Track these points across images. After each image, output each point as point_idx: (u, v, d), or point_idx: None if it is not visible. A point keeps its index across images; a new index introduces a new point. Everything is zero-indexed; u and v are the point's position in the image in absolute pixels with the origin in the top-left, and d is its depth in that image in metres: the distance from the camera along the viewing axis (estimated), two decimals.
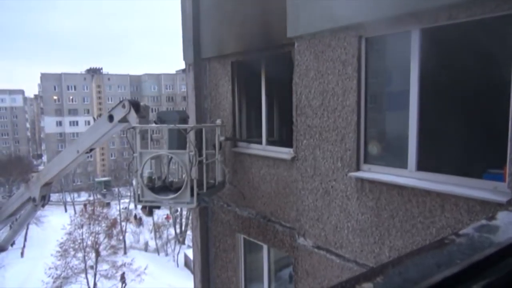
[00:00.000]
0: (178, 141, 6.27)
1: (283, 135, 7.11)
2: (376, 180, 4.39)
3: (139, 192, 5.89)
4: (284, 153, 6.00)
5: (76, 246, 37.11)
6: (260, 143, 6.66)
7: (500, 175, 3.57)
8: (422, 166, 4.13)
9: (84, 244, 37.18)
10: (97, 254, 37.61)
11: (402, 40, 4.13)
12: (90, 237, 37.76)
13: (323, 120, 4.96)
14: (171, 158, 6.17)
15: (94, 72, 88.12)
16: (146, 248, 48.03)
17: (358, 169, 4.65)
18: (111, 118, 6.76)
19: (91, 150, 7.53)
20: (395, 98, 4.64)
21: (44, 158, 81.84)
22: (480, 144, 4.10)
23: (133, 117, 6.47)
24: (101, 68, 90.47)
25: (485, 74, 3.89)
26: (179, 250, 43.33)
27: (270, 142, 6.65)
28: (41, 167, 61.93)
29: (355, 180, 4.62)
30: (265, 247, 6.67)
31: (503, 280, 0.61)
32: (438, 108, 4.25)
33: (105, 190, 68.16)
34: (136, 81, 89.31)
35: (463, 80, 4.07)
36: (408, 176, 4.17)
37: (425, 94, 4.05)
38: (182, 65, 7.99)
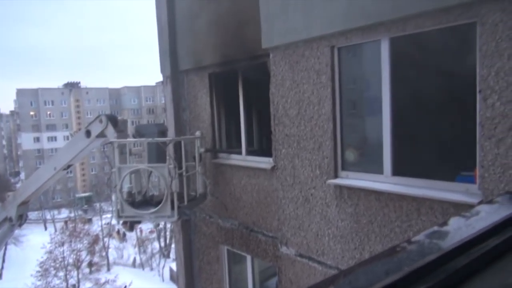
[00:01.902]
0: (157, 154, 6.24)
1: (263, 144, 7.16)
2: (354, 186, 4.46)
3: (118, 208, 5.82)
4: (264, 162, 6.03)
5: (57, 265, 36.18)
6: (240, 153, 6.68)
7: (472, 177, 3.68)
8: (398, 171, 4.22)
9: (66, 262, 36.28)
10: (90, 267, 36.85)
11: (373, 48, 4.24)
12: (72, 255, 36.90)
13: (300, 129, 5.03)
14: (151, 171, 6.13)
15: (72, 86, 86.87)
16: (134, 263, 47.09)
17: (336, 176, 4.72)
18: (88, 133, 6.68)
19: (69, 166, 7.41)
20: (369, 105, 4.75)
21: (22, 176, 79.76)
22: (452, 147, 4.21)
23: (110, 131, 6.41)
24: (79, 82, 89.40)
25: (453, 80, 4.02)
26: (164, 264, 42.70)
27: (250, 152, 6.67)
28: (19, 185, 60.32)
29: (334, 187, 4.69)
30: (248, 257, 6.66)
31: (443, 283, 0.65)
32: (410, 114, 4.37)
33: (86, 206, 66.81)
34: (115, 94, 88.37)
35: (433, 86, 4.20)
36: (384, 182, 4.26)
37: (397, 101, 4.16)
38: (161, 76, 7.99)
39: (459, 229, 0.90)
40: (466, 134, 3.67)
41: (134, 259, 47.39)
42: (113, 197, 6.07)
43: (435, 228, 0.95)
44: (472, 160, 3.61)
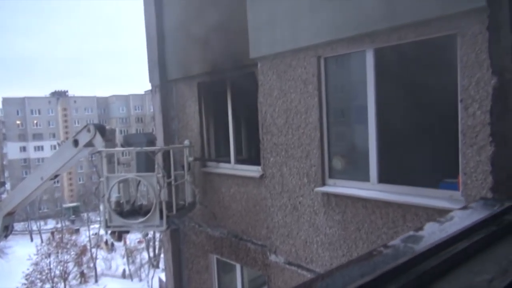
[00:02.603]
0: (146, 163, 6.24)
1: (252, 153, 7.19)
2: (341, 194, 4.52)
3: (106, 217, 5.79)
4: (253, 171, 6.06)
5: (43, 277, 35.52)
6: (229, 162, 6.71)
7: (455, 184, 3.77)
8: (384, 178, 4.30)
9: (52, 274, 35.64)
10: (82, 277, 36.19)
11: (358, 59, 4.34)
12: (58, 267, 36.26)
13: (288, 137, 5.08)
14: (140, 181, 6.11)
15: (59, 95, 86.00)
16: (124, 274, 46.28)
17: (323, 184, 4.77)
18: (76, 143, 6.64)
19: (56, 176, 7.34)
20: (355, 114, 4.83)
21: (8, 186, 78.23)
22: (436, 155, 4.31)
23: (99, 141, 6.39)
24: (67, 91, 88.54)
25: (436, 90, 4.13)
26: (153, 274, 42.16)
27: (239, 161, 6.70)
28: (4, 196, 59.12)
29: (321, 195, 4.74)
30: (238, 266, 6.65)
31: (412, 284, 0.69)
32: (395, 122, 4.46)
33: (73, 216, 65.78)
34: (103, 103, 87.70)
35: (416, 95, 4.30)
36: (371, 189, 4.32)
37: (382, 110, 4.25)
38: (150, 85, 8.00)
39: (433, 234, 0.95)
40: (449, 142, 3.76)
41: (124, 270, 46.68)
42: (101, 207, 6.03)
43: (411, 232, 1.00)
44: (455, 167, 3.70)
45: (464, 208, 1.19)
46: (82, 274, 36.96)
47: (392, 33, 3.93)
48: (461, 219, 1.06)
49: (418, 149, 4.35)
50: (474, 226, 0.95)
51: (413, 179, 4.10)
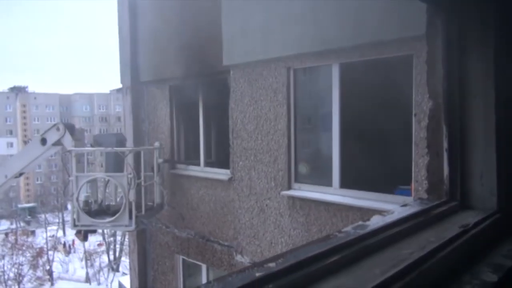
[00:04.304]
0: (115, 164, 6.30)
1: (221, 156, 7.38)
2: (306, 197, 4.81)
3: (74, 217, 5.80)
4: (222, 174, 6.26)
5: None
6: (199, 164, 6.87)
7: (408, 190, 4.13)
8: (345, 183, 4.63)
9: (6, 277, 34.10)
10: (49, 275, 34.73)
11: (325, 71, 4.67)
12: (12, 269, 34.73)
13: (257, 142, 5.33)
14: (108, 181, 6.17)
15: (18, 90, 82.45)
16: (86, 279, 44.72)
17: (289, 187, 5.05)
18: (44, 141, 6.59)
19: (20, 174, 7.23)
20: (320, 123, 5.15)
21: None
22: (392, 163, 4.68)
23: (68, 140, 6.39)
24: (27, 87, 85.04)
25: (394, 104, 4.50)
26: (113, 278, 41.15)
27: (208, 164, 6.87)
28: None
29: (287, 198, 5.01)
30: (203, 267, 6.81)
31: (355, 254, 0.94)
32: (357, 131, 4.81)
33: (29, 217, 63.13)
34: (66, 101, 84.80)
35: (376, 108, 4.66)
36: (333, 193, 4.64)
37: (346, 119, 4.58)
38: (116, 84, 8.05)
39: (377, 223, 1.20)
40: (404, 151, 4.13)
41: (87, 274, 45.18)
42: (69, 206, 6.03)
43: (360, 222, 1.26)
44: (408, 175, 4.06)
45: (404, 205, 1.47)
46: (48, 273, 35.65)
47: (356, 51, 4.27)
48: (399, 213, 1.33)
49: (378, 157, 4.71)
50: (407, 217, 1.22)
51: (372, 185, 4.45)
